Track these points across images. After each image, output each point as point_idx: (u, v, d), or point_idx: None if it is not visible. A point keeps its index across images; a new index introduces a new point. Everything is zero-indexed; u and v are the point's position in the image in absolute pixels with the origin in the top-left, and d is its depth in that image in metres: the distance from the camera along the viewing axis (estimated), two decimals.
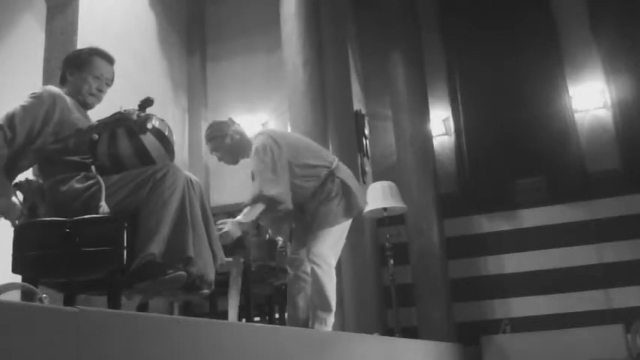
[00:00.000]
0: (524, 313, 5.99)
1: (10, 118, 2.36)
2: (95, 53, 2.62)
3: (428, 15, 6.97)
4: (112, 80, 2.66)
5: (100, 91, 2.59)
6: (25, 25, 5.30)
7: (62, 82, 2.62)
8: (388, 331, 5.83)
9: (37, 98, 2.44)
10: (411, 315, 5.98)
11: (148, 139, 2.34)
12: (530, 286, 6.03)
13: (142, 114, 2.37)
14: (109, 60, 2.64)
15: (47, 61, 4.61)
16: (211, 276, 2.33)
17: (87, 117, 2.59)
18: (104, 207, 2.23)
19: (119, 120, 2.34)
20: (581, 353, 5.16)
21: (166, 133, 2.41)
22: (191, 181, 2.38)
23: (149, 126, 2.34)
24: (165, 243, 2.20)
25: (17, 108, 2.40)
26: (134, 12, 5.75)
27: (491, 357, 5.55)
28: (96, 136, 2.33)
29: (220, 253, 2.43)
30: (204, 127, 6.57)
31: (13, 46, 5.31)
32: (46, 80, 4.46)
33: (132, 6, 5.73)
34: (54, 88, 2.53)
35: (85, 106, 2.59)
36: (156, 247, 2.17)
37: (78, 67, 2.58)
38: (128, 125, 2.33)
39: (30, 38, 5.14)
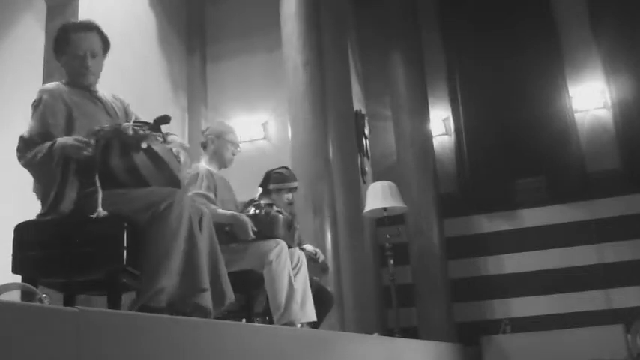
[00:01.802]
0: (524, 313, 5.99)
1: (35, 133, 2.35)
2: (69, 30, 2.50)
3: (428, 15, 6.98)
4: (102, 48, 2.53)
5: (86, 67, 2.48)
6: (25, 25, 5.29)
7: (61, 68, 2.55)
8: (388, 331, 5.83)
9: (37, 103, 2.41)
10: (411, 315, 5.98)
11: (140, 158, 2.29)
12: (530, 286, 6.03)
13: (141, 132, 2.31)
14: (86, 28, 2.51)
15: (47, 61, 4.61)
16: (210, 305, 2.24)
17: (95, 99, 2.53)
18: (100, 212, 2.21)
19: (117, 131, 2.29)
20: (581, 353, 5.16)
21: (164, 157, 2.34)
22: (202, 213, 2.34)
23: (143, 146, 2.29)
24: (177, 275, 2.15)
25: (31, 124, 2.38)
26: (134, 12, 5.74)
27: (491, 357, 5.55)
28: (92, 142, 2.31)
29: (229, 292, 2.37)
30: (204, 126, 6.60)
31: (13, 46, 5.31)
32: (46, 80, 4.45)
33: (132, 6, 5.73)
34: (48, 86, 2.48)
35: (82, 87, 2.52)
36: (166, 280, 2.12)
37: (62, 52, 2.50)
38: (123, 139, 2.28)
39: (30, 38, 5.14)
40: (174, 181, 2.36)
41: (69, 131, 2.37)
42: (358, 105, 6.46)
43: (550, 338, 5.46)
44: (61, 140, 2.28)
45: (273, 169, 3.71)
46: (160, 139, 2.38)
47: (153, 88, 5.82)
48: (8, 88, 5.08)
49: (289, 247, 3.27)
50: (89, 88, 2.54)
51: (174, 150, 2.41)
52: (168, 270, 2.13)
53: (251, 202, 3.35)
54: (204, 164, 3.42)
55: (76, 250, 2.23)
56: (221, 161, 3.45)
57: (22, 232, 2.32)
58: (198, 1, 6.99)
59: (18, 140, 2.36)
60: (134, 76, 5.28)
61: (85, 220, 2.24)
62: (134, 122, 2.36)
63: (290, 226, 3.36)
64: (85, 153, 2.24)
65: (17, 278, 2.23)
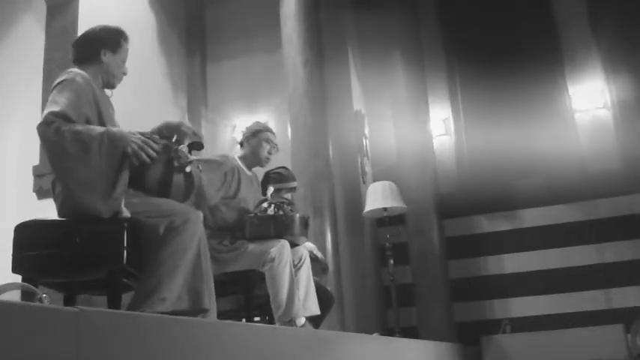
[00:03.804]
0: (524, 313, 5.99)
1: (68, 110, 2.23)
2: (123, 36, 2.56)
3: (428, 15, 6.97)
4: None
5: (124, 73, 2.59)
6: (25, 25, 5.30)
7: (91, 62, 2.49)
8: (388, 331, 5.83)
9: (68, 83, 2.33)
10: (411, 315, 5.98)
11: (178, 177, 2.37)
12: (530, 286, 6.03)
13: (189, 157, 2.41)
14: (128, 41, 2.61)
15: (47, 61, 4.62)
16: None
17: (108, 99, 2.55)
18: (125, 211, 2.23)
19: (167, 147, 2.35)
20: (581, 353, 5.16)
21: (195, 180, 2.44)
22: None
23: (187, 170, 2.38)
24: (180, 289, 2.19)
25: (65, 98, 2.26)
26: (134, 12, 5.75)
27: (491, 357, 5.55)
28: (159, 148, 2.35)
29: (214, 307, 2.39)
30: (204, 126, 6.61)
31: (13, 46, 5.31)
32: (46, 80, 4.45)
33: (132, 6, 5.73)
34: (79, 71, 2.42)
35: (109, 86, 2.55)
36: (168, 292, 2.16)
37: (113, 50, 2.52)
38: (171, 158, 2.35)
39: (30, 38, 5.14)
40: (188, 197, 2.45)
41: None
42: (358, 105, 6.46)
43: (550, 338, 5.45)
44: (122, 131, 2.24)
45: (272, 169, 3.72)
46: (200, 167, 2.52)
47: (153, 88, 5.83)
48: (8, 88, 5.08)
49: (296, 245, 3.28)
50: (110, 88, 2.58)
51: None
52: (172, 283, 2.17)
53: (263, 202, 3.35)
54: (235, 158, 3.46)
55: (76, 250, 2.23)
56: (257, 160, 3.48)
57: (22, 232, 2.33)
58: (198, 2, 6.99)
59: (47, 115, 2.19)
60: (134, 77, 5.26)
61: (84, 220, 2.24)
62: (176, 140, 2.42)
63: (306, 224, 3.37)
64: (145, 158, 2.23)
65: (17, 278, 2.23)
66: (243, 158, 3.48)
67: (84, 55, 2.51)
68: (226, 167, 3.32)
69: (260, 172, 3.69)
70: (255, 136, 3.46)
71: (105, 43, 2.51)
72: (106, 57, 2.50)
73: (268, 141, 3.47)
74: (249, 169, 3.49)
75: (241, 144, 3.53)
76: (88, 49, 2.51)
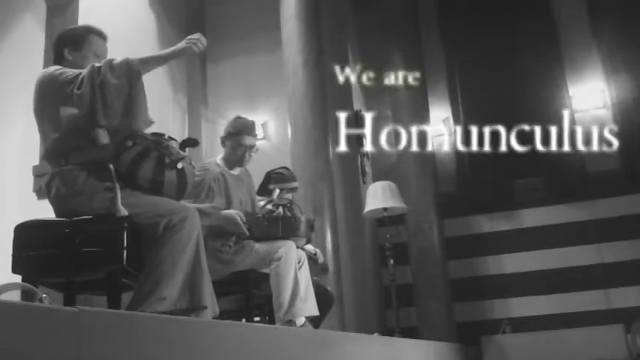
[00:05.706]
0: (524, 313, 5.99)
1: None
2: (91, 31, 2.55)
3: (428, 15, 6.97)
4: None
5: None
6: (25, 25, 5.29)
7: (58, 62, 2.51)
8: (388, 331, 5.83)
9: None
10: (411, 315, 5.98)
11: (170, 174, 2.37)
12: (530, 286, 6.03)
13: (181, 153, 2.42)
14: (104, 37, 2.58)
15: (47, 61, 4.61)
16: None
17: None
18: (122, 210, 2.23)
19: (158, 144, 2.36)
20: (581, 353, 5.16)
21: (188, 179, 2.44)
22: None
23: (179, 166, 2.38)
24: (180, 288, 2.19)
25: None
26: (134, 12, 5.75)
27: (491, 357, 5.55)
28: (130, 143, 2.34)
29: (215, 306, 2.39)
30: (204, 126, 6.61)
31: (13, 46, 5.31)
32: None
33: (132, 6, 5.73)
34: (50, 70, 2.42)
35: None
36: (168, 291, 2.16)
37: (76, 46, 2.50)
38: (162, 154, 2.36)
39: (30, 38, 5.14)
40: (180, 196, 2.45)
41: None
42: (358, 105, 6.46)
43: (550, 338, 5.45)
44: None
45: (273, 170, 3.71)
46: (192, 163, 2.50)
47: (153, 88, 5.80)
48: (8, 88, 5.08)
49: (296, 247, 3.28)
50: None
51: (196, 172, 2.53)
52: (172, 282, 2.16)
53: (268, 203, 3.34)
54: (217, 162, 3.43)
55: (76, 250, 2.22)
56: (235, 161, 3.43)
57: (22, 232, 2.32)
58: (198, 2, 6.99)
59: None
60: None
61: (84, 220, 2.24)
62: (168, 137, 2.42)
63: (312, 226, 3.37)
64: None
65: (17, 278, 2.23)
66: (224, 160, 3.44)
67: (54, 56, 2.55)
68: (209, 180, 3.28)
69: (260, 171, 3.68)
70: (229, 138, 3.42)
71: (67, 42, 2.52)
72: (72, 56, 2.50)
73: (241, 144, 3.38)
74: (232, 168, 3.45)
75: (222, 142, 3.48)
76: (55, 49, 2.55)
